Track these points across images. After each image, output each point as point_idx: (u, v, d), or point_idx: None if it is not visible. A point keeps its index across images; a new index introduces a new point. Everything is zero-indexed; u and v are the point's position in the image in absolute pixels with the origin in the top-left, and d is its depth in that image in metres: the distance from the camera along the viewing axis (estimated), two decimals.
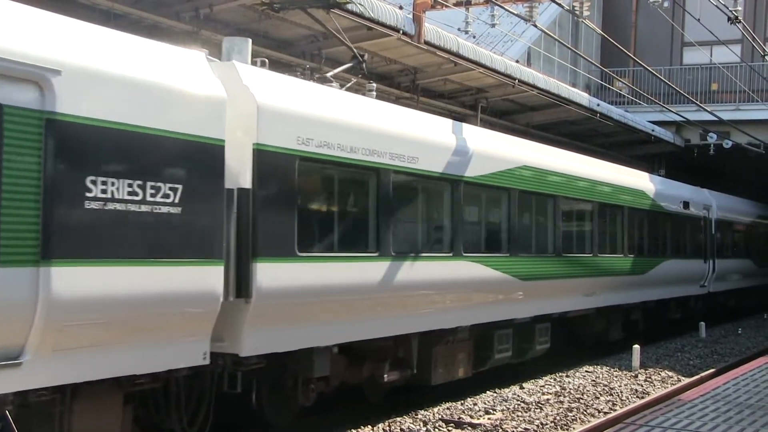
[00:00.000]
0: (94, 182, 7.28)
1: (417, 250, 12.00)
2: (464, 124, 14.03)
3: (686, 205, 23.59)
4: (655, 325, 22.59)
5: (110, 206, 7.42)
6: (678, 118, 26.12)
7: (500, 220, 14.30)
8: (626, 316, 20.57)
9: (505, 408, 13.37)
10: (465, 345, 13.73)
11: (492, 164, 13.76)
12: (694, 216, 24.47)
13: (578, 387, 15.51)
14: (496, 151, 14.06)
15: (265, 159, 9.19)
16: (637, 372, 17.42)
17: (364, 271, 10.82)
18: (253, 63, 10.16)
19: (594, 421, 12.37)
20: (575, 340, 19.12)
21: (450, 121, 13.67)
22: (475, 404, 13.54)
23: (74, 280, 7.11)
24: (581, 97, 24.17)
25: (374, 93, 12.64)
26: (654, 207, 21.17)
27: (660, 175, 26.54)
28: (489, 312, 13.94)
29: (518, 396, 14.41)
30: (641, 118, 28.59)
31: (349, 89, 11.94)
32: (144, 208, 7.71)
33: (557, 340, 17.05)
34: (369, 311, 11.11)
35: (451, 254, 12.67)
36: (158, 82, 7.94)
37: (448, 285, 12.68)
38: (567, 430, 12.23)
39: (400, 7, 16.28)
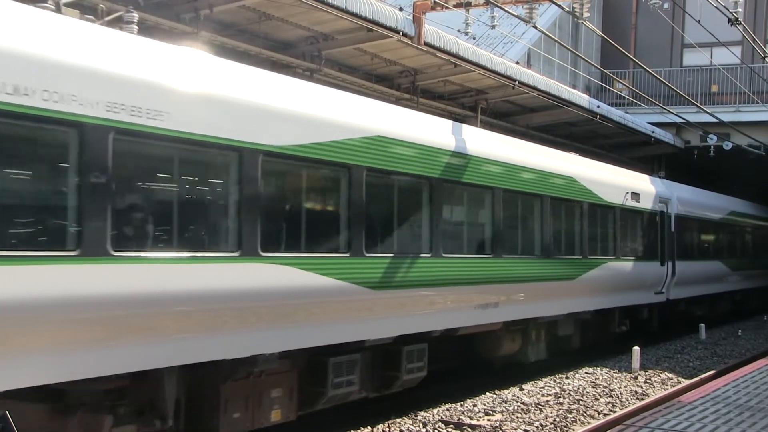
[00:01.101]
0: None
1: (166, 247, 8.40)
2: (271, 73, 10.53)
3: (636, 197, 20.38)
4: (596, 340, 19.53)
5: None
6: (678, 120, 26.13)
7: (337, 206, 10.80)
8: (551, 331, 17.16)
9: (504, 409, 13.36)
10: (282, 378, 10.37)
11: (318, 130, 10.25)
12: (647, 211, 21.14)
13: (578, 388, 15.51)
14: (325, 113, 10.49)
15: None
16: (636, 373, 17.42)
17: (49, 278, 7.31)
18: None
19: (594, 423, 12.36)
20: (480, 362, 16.18)
21: (236, 65, 9.94)
22: (474, 405, 13.53)
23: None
24: (581, 98, 24.16)
25: (134, 26, 9.38)
26: (590, 198, 17.76)
27: (660, 177, 26.44)
28: (317, 333, 10.39)
29: (518, 397, 14.40)
30: (641, 120, 28.58)
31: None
32: None
33: (451, 361, 15.18)
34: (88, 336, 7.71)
35: (237, 253, 9.10)
36: None
37: (233, 296, 9.04)
38: (567, 431, 12.22)
39: (400, 9, 16.29)
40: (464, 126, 14.19)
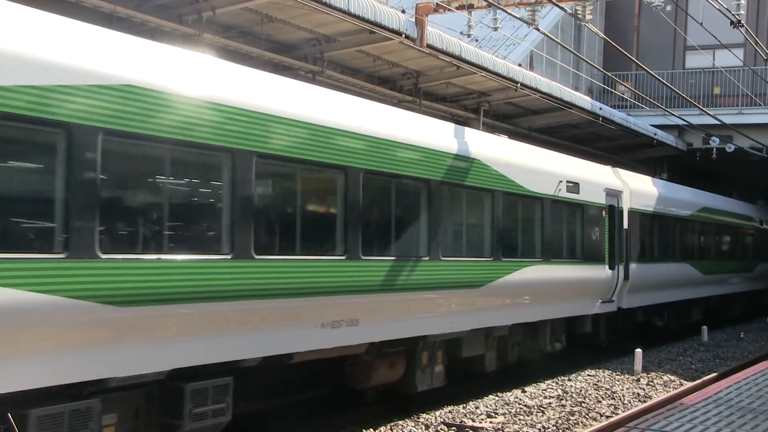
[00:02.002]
0: None
1: None
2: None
3: (574, 187, 17.01)
4: (522, 360, 16.34)
5: None
6: (680, 122, 26.11)
7: (49, 187, 7.48)
8: (453, 352, 13.86)
9: (507, 411, 13.36)
10: None
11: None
12: (590, 204, 17.77)
13: (580, 390, 15.50)
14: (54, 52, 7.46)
15: None
16: (639, 376, 17.41)
17: None
18: None
19: (596, 425, 12.35)
20: (351, 393, 13.18)
21: None
22: (477, 408, 13.53)
23: None
24: (584, 100, 24.16)
25: None
26: (504, 186, 14.37)
27: (662, 179, 26.35)
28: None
29: (520, 399, 14.39)
30: (643, 122, 28.58)
31: None
32: None
33: (301, 392, 12.27)
34: None
35: None
36: None
37: None
38: None
39: (403, 11, 16.30)
40: (293, 82, 10.82)
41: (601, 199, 18.35)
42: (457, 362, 14.20)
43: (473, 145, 13.68)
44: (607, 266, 18.46)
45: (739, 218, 30.01)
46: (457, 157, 13.05)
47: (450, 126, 13.80)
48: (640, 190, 21.02)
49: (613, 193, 19.10)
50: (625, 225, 19.65)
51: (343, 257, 10.60)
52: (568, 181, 16.71)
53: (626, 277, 19.42)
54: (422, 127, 12.64)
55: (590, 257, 17.67)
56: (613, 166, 20.99)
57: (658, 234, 22.09)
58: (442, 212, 12.62)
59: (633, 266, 19.87)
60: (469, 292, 13.31)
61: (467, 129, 14.40)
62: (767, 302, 34.66)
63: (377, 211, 11.48)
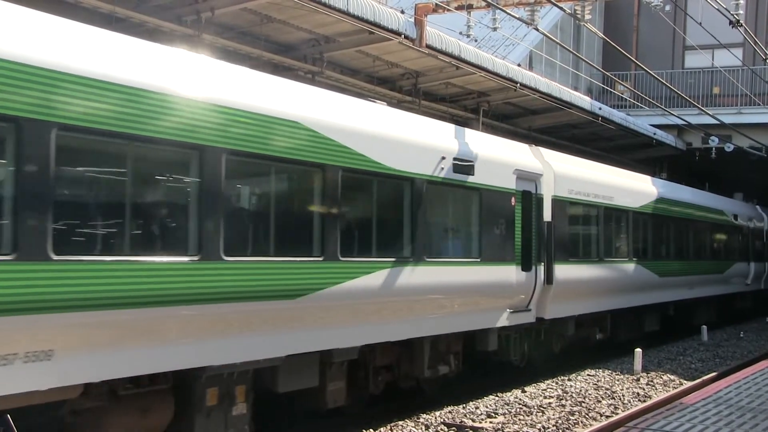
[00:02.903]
0: None
1: None
2: None
3: (464, 167, 13.27)
4: (388, 390, 13.25)
5: None
6: (680, 122, 26.13)
7: None
8: (265, 385, 10.42)
9: (507, 412, 13.36)
10: None
11: None
12: (491, 189, 14.06)
13: (580, 390, 15.50)
14: None
15: None
16: (639, 375, 17.41)
17: None
18: None
19: (596, 425, 12.36)
20: None
21: None
22: (477, 408, 13.53)
23: None
24: (583, 100, 24.17)
25: None
26: (345, 160, 10.78)
27: (662, 179, 26.29)
28: None
29: (520, 399, 14.40)
30: (643, 122, 28.60)
31: None
32: None
33: None
34: None
35: None
36: None
37: None
38: None
39: (402, 11, 16.31)
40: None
41: (509, 183, 14.62)
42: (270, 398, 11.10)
43: (292, 103, 10.03)
44: (518, 267, 14.82)
45: (708, 212, 26.20)
46: (261, 118, 9.53)
47: (262, 77, 10.23)
48: (569, 174, 17.17)
49: (529, 177, 15.42)
50: (547, 216, 16.06)
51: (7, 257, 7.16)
52: (456, 159, 13.01)
53: (549, 280, 15.82)
54: (209, 74, 9.23)
55: (492, 256, 13.93)
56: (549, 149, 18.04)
57: (597, 228, 18.39)
58: (231, 193, 9.30)
59: (559, 267, 16.19)
60: (279, 305, 9.71)
61: (289, 82, 10.72)
62: (744, 307, 31.60)
63: (108, 196, 8.14)
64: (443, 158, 12.76)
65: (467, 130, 14.40)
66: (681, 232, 23.82)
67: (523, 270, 15.03)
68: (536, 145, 17.30)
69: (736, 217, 29.19)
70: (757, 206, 33.56)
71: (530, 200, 15.55)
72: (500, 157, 14.59)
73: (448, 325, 13.19)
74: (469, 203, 13.64)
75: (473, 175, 13.51)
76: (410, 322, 12.26)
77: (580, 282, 17.33)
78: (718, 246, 27.29)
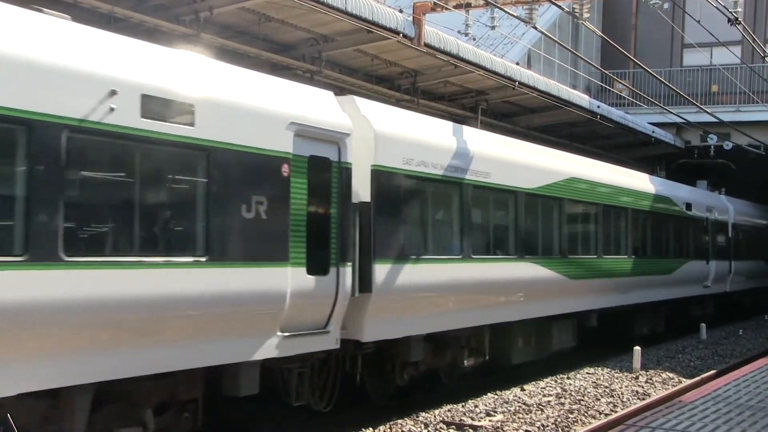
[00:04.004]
0: None
1: None
2: None
3: (174, 112, 8.67)
4: None
5: None
6: (678, 120, 26.14)
7: None
8: None
9: (506, 410, 13.38)
10: None
11: None
12: (233, 150, 9.33)
13: (579, 389, 15.52)
14: None
15: None
16: (638, 373, 17.43)
17: None
18: None
19: (595, 423, 12.38)
20: None
21: None
22: (476, 406, 13.55)
23: None
24: (581, 99, 24.18)
25: None
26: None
27: (660, 176, 26.25)
28: None
29: (519, 398, 14.42)
30: (641, 120, 28.62)
31: None
32: None
33: None
34: None
35: None
36: None
37: None
38: (568, 431, 12.24)
39: (400, 10, 16.31)
40: None
41: (274, 141, 9.82)
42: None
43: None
44: (300, 269, 10.11)
45: (648, 199, 21.52)
46: None
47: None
48: (405, 136, 12.18)
49: (324, 136, 10.53)
50: (363, 195, 11.35)
51: None
52: (146, 96, 8.29)
53: (364, 287, 11.20)
54: None
55: (234, 254, 9.28)
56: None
57: (461, 215, 13.48)
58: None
59: (385, 268, 11.55)
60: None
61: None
62: (704, 314, 26.36)
63: None
64: (113, 93, 7.95)
65: (177, 52, 9.31)
66: (607, 224, 18.90)
67: (310, 273, 10.20)
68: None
69: (689, 206, 24.49)
70: (723, 196, 29.25)
71: (326, 171, 10.59)
72: (256, 101, 9.69)
73: (138, 364, 8.28)
74: (187, 169, 8.93)
75: (192, 126, 8.78)
76: (61, 360, 7.57)
77: (427, 288, 12.57)
78: (663, 241, 22.49)
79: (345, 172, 10.94)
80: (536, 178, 15.87)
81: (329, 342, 10.75)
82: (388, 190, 11.85)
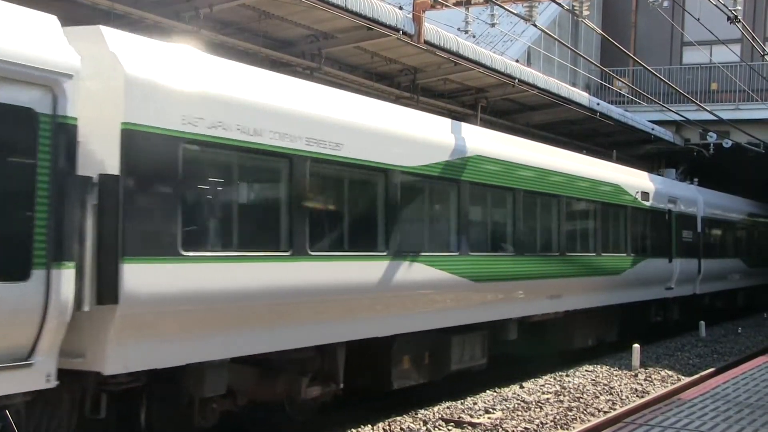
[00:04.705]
0: None
1: None
2: None
3: None
4: None
5: None
6: (678, 118, 26.13)
7: None
8: None
9: (505, 407, 13.39)
10: None
11: None
12: None
13: (578, 386, 15.53)
14: None
15: None
16: (636, 371, 17.44)
17: None
18: None
19: (594, 421, 12.39)
20: None
21: None
22: (475, 403, 13.56)
23: None
24: (581, 96, 24.19)
25: None
26: None
27: (659, 174, 26.20)
28: None
29: (518, 395, 14.42)
30: (641, 118, 28.62)
31: None
32: None
33: None
34: None
35: None
36: None
37: None
38: (567, 429, 12.24)
39: (400, 7, 16.30)
40: None
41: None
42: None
43: None
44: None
45: (589, 185, 17.83)
46: None
47: None
48: (182, 85, 8.81)
49: (23, 77, 7.15)
50: (101, 164, 8.08)
51: None
52: None
53: (107, 296, 7.96)
54: None
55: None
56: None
57: (286, 196, 10.10)
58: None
59: (140, 269, 8.24)
60: None
61: None
62: (668, 320, 23.15)
63: None
64: None
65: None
66: (529, 214, 15.43)
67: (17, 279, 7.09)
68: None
69: (645, 196, 20.87)
70: (694, 186, 26.44)
71: (22, 127, 7.19)
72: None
73: None
74: None
75: None
76: None
77: (228, 296, 9.17)
78: (610, 236, 18.77)
79: (65, 130, 7.45)
80: (421, 153, 12.35)
81: (34, 379, 7.21)
82: (152, 160, 8.40)
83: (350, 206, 11.26)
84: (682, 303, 23.87)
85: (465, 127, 14.21)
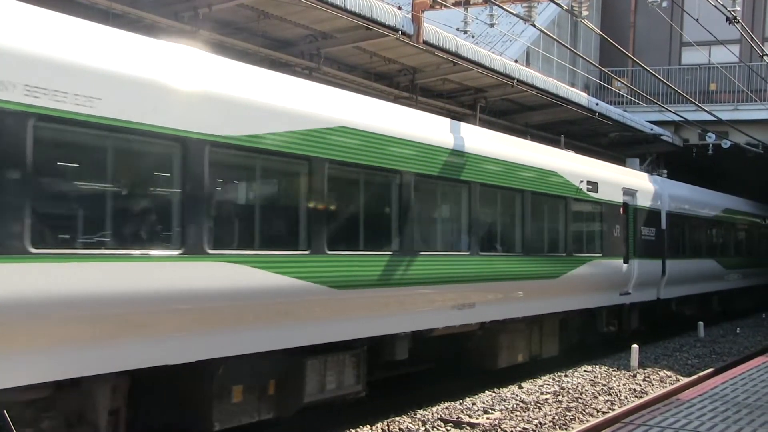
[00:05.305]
0: None
1: None
2: None
3: None
4: None
5: None
6: (677, 118, 26.13)
7: None
8: None
9: (503, 408, 13.38)
10: None
11: None
12: None
13: (577, 386, 15.53)
14: None
15: None
16: (635, 371, 17.44)
17: None
18: None
19: (592, 421, 12.38)
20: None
21: None
22: (473, 404, 13.55)
23: None
24: (580, 96, 24.19)
25: None
26: None
27: (660, 175, 26.19)
28: None
29: (517, 396, 14.42)
30: (640, 118, 28.63)
31: None
32: None
33: None
34: None
35: None
36: None
37: None
38: (565, 429, 12.24)
39: (399, 7, 16.30)
40: None
41: None
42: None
43: None
44: None
45: (513, 172, 14.72)
46: None
47: None
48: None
49: None
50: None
51: None
52: None
53: None
54: None
55: None
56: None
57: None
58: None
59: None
60: None
61: None
62: (618, 329, 20.34)
63: None
64: None
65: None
66: (426, 204, 12.63)
67: None
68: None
69: (593, 187, 17.76)
70: (658, 177, 23.78)
71: None
72: None
73: None
74: None
75: None
76: None
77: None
78: (542, 232, 15.89)
79: None
80: (246, 118, 9.18)
81: None
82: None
83: (119, 187, 7.98)
84: (643, 310, 21.12)
85: (329, 90, 11.15)
